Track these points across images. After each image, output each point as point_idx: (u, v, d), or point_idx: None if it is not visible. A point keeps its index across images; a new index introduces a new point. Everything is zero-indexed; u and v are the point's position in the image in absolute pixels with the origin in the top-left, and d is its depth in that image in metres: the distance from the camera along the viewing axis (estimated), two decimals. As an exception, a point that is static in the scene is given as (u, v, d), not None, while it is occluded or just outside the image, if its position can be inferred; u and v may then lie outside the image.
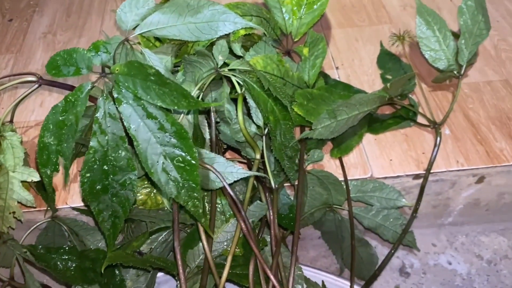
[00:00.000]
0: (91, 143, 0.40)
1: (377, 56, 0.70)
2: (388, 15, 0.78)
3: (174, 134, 0.39)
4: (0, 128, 0.47)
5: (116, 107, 0.39)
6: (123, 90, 0.39)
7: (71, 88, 0.46)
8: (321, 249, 0.65)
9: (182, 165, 0.39)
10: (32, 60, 0.72)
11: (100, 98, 0.40)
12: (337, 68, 0.70)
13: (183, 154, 0.39)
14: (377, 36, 0.74)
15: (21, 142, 0.49)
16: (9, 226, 0.50)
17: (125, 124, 0.39)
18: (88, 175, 0.41)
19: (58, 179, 0.57)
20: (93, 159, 0.41)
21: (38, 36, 0.76)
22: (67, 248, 0.52)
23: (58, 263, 0.50)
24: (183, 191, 0.40)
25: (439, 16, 0.57)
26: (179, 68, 0.54)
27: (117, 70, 0.40)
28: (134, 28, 0.49)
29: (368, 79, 0.68)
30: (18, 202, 0.49)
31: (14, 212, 0.49)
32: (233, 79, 0.48)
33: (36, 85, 0.46)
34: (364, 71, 0.69)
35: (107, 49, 0.43)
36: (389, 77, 0.68)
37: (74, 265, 0.51)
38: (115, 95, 0.39)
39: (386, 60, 0.70)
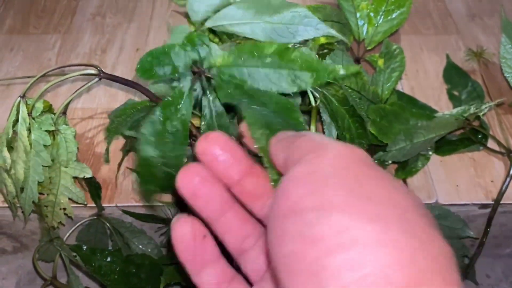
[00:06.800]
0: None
1: (443, 69, 0.66)
2: (455, 24, 0.74)
3: None
4: (55, 122, 0.44)
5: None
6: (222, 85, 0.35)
7: (133, 84, 0.43)
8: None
9: None
10: (80, 42, 0.69)
11: (204, 98, 0.36)
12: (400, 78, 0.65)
13: None
14: (443, 47, 0.70)
15: (75, 136, 0.46)
16: (59, 221, 0.47)
17: None
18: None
19: (105, 175, 0.54)
20: None
21: (87, 18, 0.73)
22: (111, 250, 0.50)
23: (102, 265, 0.48)
24: None
25: (528, 36, 0.52)
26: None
27: (219, 62, 0.35)
28: (203, 22, 0.45)
29: (433, 94, 0.64)
30: (69, 199, 0.47)
31: (65, 209, 0.46)
32: (309, 89, 0.44)
33: (97, 79, 0.43)
34: (429, 84, 0.65)
35: (203, 41, 0.36)
36: (456, 93, 0.64)
37: (118, 268, 0.49)
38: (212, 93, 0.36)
39: (453, 74, 0.66)
